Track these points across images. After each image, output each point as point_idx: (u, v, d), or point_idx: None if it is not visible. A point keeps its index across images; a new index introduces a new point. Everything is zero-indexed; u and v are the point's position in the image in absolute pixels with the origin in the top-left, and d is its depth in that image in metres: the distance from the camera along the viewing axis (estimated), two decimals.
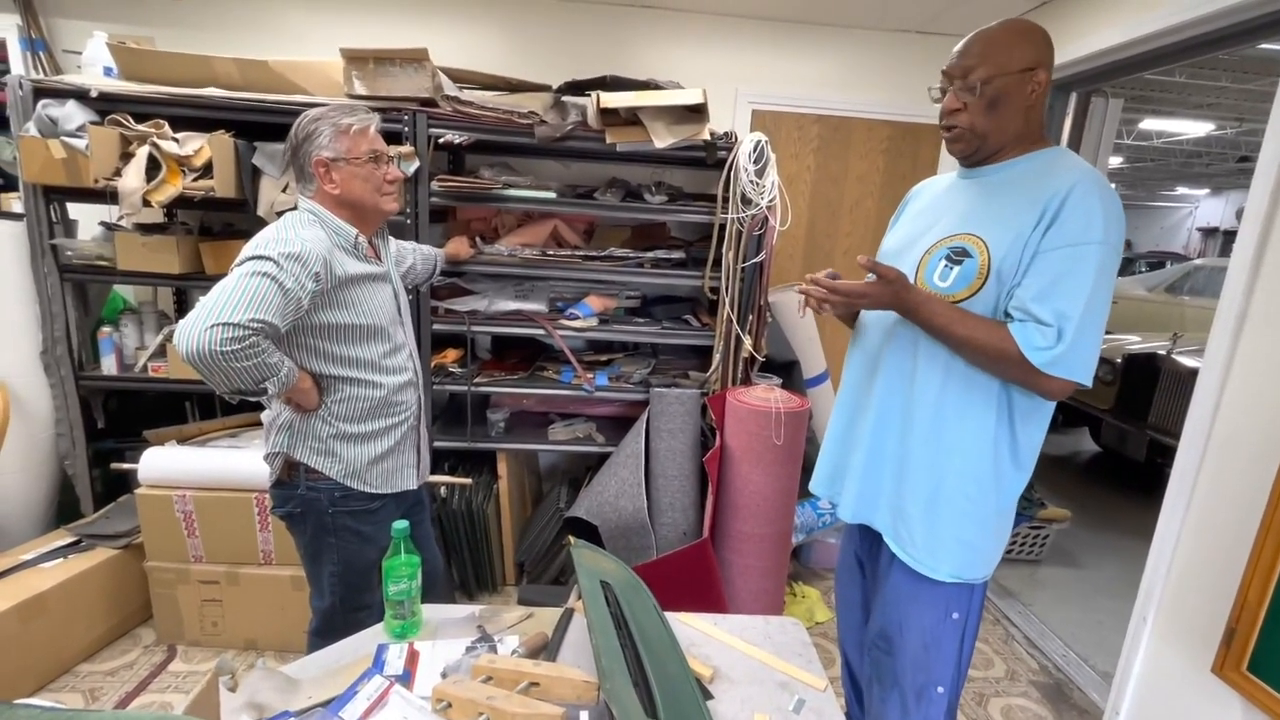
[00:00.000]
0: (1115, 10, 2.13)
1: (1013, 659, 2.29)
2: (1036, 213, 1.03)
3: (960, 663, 1.20)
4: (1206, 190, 11.80)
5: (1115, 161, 8.76)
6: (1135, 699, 1.78)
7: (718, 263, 2.20)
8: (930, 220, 1.21)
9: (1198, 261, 6.58)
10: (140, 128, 2.00)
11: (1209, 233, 12.16)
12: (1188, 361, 3.38)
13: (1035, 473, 1.18)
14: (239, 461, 2.03)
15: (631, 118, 2.08)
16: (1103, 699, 1.97)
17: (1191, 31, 1.87)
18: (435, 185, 2.13)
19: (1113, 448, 4.26)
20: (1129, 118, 6.15)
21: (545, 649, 1.11)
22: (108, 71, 2.18)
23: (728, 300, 2.18)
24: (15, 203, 2.41)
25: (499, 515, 2.43)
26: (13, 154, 2.25)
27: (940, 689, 1.20)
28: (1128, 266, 9.03)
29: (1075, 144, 2.57)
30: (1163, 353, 3.60)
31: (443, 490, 2.30)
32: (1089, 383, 1.04)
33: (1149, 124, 6.49)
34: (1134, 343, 3.99)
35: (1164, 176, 10.17)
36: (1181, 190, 11.94)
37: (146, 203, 1.96)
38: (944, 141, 1.18)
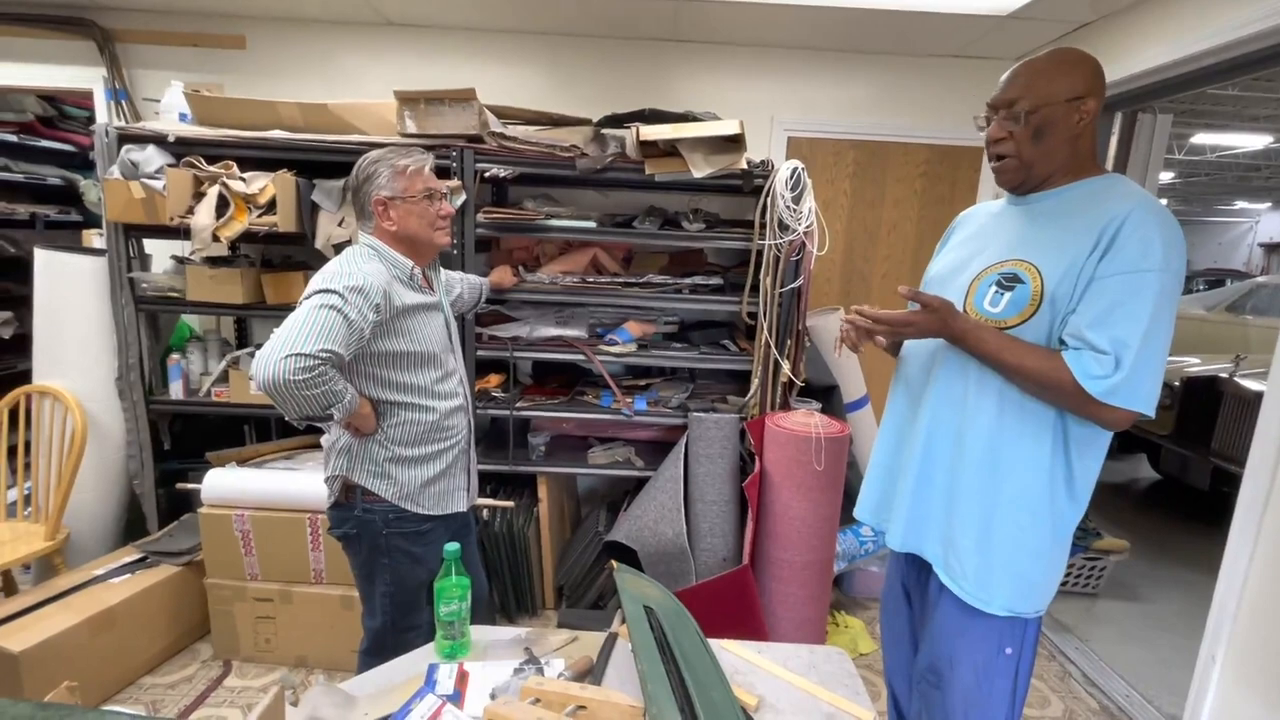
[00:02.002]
0: (1160, 30, 2.10)
1: (1070, 698, 2.19)
2: (1092, 239, 1.02)
3: (1015, 701, 1.17)
4: (1268, 204, 11.28)
5: (1166, 177, 8.46)
6: None
7: (755, 288, 2.22)
8: (979, 246, 1.20)
9: (1261, 279, 6.28)
10: (211, 169, 2.15)
11: (1272, 248, 11.60)
12: (1252, 384, 3.23)
13: (1090, 501, 1.15)
14: (294, 483, 2.12)
15: (670, 149, 2.14)
16: None
17: (1241, 50, 1.82)
18: (481, 216, 2.22)
19: (1173, 475, 4.06)
20: (1180, 132, 5.97)
21: (590, 673, 1.12)
22: (183, 117, 2.35)
23: (766, 325, 2.19)
24: (97, 239, 2.61)
25: (539, 538, 2.46)
26: (97, 195, 2.44)
27: None
28: (1184, 285, 8.66)
29: (1122, 163, 2.52)
30: (1225, 375, 3.44)
31: (485, 513, 2.35)
32: (1151, 413, 1.00)
33: (1201, 138, 6.27)
34: (1193, 365, 3.82)
35: (1220, 191, 9.77)
36: (1240, 205, 11.44)
37: (216, 238, 2.10)
38: (993, 172, 1.18)
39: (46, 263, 2.32)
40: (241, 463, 2.33)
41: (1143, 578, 2.99)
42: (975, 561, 1.13)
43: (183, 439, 2.60)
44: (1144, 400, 0.99)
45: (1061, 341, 1.05)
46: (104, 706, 1.94)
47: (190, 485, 2.24)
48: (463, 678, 1.09)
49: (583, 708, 0.95)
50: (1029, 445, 1.09)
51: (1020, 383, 1.07)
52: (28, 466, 2.21)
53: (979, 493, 1.12)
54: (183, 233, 2.13)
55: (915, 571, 1.30)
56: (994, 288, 1.11)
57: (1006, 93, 1.11)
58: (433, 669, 1.10)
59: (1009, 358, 1.05)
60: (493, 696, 1.03)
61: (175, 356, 2.43)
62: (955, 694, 1.17)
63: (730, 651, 1.24)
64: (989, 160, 1.17)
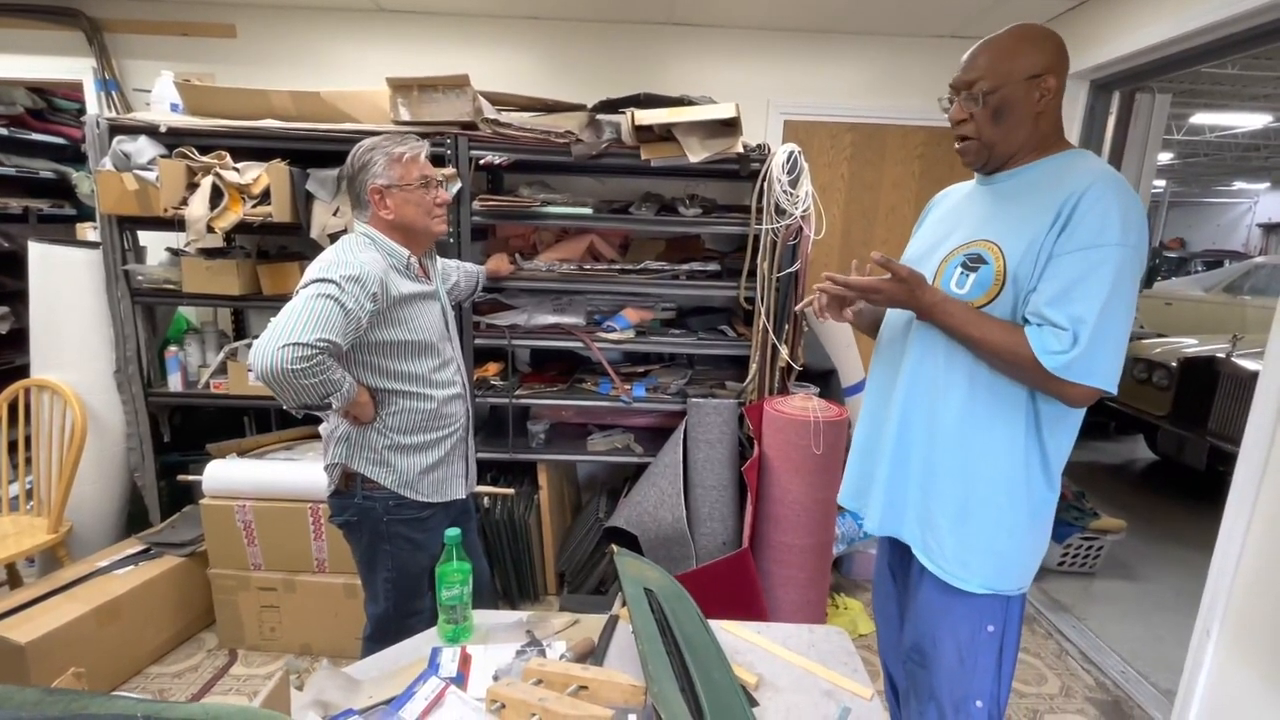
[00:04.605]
0: (1158, 6, 2.08)
1: (1067, 675, 2.21)
2: (1050, 216, 1.02)
3: (1000, 676, 1.18)
4: (1267, 184, 11.23)
5: (1165, 157, 8.42)
6: (1201, 717, 1.71)
7: (753, 273, 2.22)
8: (949, 228, 1.21)
9: (1259, 259, 6.28)
10: (204, 159, 2.13)
11: (1271, 229, 11.56)
12: (1249, 364, 3.23)
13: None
14: (294, 473, 2.12)
15: (665, 133, 2.12)
16: (1165, 717, 1.89)
17: (1243, 25, 1.81)
18: (476, 205, 2.21)
19: (1170, 456, 4.08)
20: (1178, 112, 5.93)
21: (592, 654, 1.14)
22: (174, 107, 2.33)
23: (763, 310, 2.19)
24: (91, 232, 2.59)
25: (540, 525, 2.48)
26: (90, 187, 2.42)
27: (979, 703, 1.17)
28: (1181, 267, 8.64)
29: (1119, 143, 2.51)
30: (1222, 355, 3.45)
31: (486, 500, 2.36)
32: (1112, 389, 1.01)
33: (1200, 118, 6.24)
34: (1191, 346, 3.83)
35: (1219, 171, 9.73)
36: (1239, 185, 11.39)
37: (210, 229, 2.09)
38: (958, 153, 1.17)
39: (41, 256, 2.31)
40: (242, 454, 2.34)
41: (1140, 557, 3.01)
42: (953, 541, 1.13)
43: (183, 431, 2.61)
44: (1102, 376, 0.99)
45: (1025, 320, 1.05)
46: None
47: (191, 477, 2.25)
48: (466, 660, 1.10)
49: (585, 688, 0.96)
50: (1002, 426, 1.09)
51: (986, 357, 1.07)
52: (29, 461, 2.22)
53: (954, 473, 1.13)
54: (177, 224, 2.12)
55: (899, 553, 1.31)
56: (960, 269, 1.11)
57: (967, 73, 1.10)
58: (436, 652, 1.11)
59: (974, 331, 1.06)
60: (496, 678, 1.04)
61: (173, 349, 2.43)
62: (940, 672, 1.19)
63: (730, 632, 1.25)
64: (954, 141, 1.17)
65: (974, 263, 1.09)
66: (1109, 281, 0.97)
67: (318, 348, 1.20)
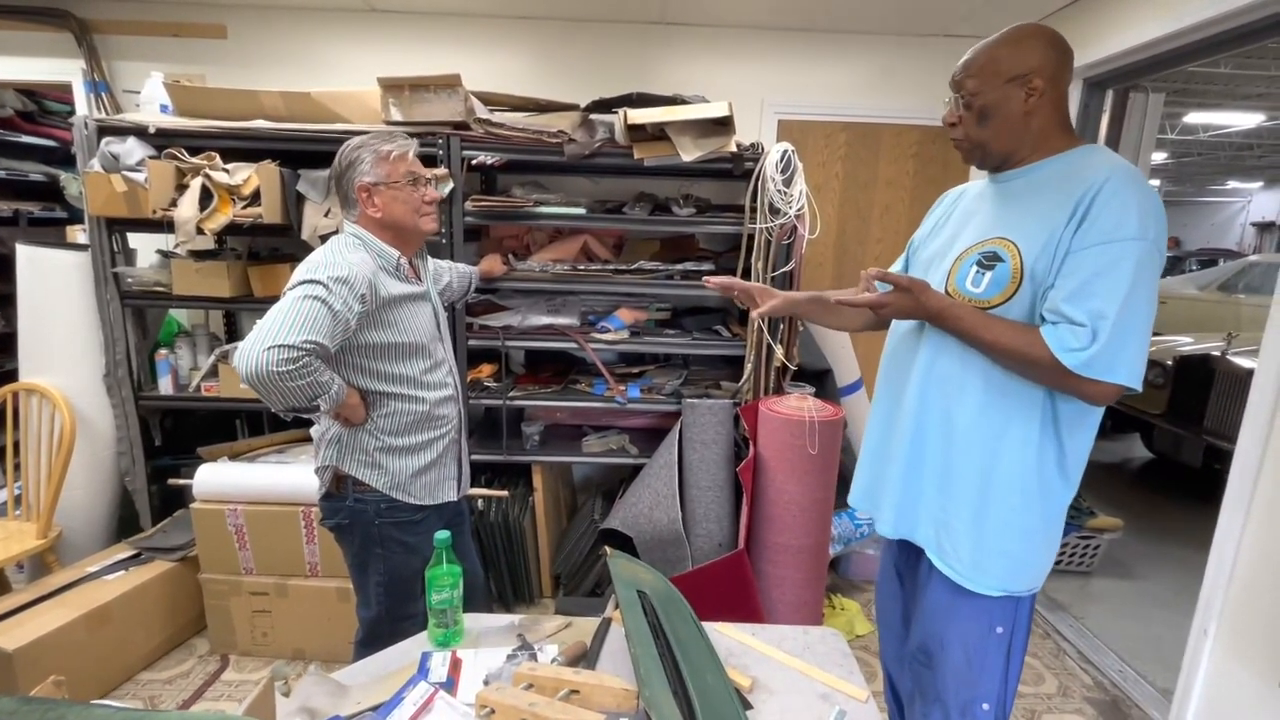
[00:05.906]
0: (1150, 4, 2.08)
1: (1065, 674, 2.21)
2: (1068, 210, 1.00)
3: (1007, 679, 1.17)
4: (1260, 183, 11.28)
5: (1159, 157, 8.45)
6: (1199, 716, 1.70)
7: (747, 273, 2.21)
8: (961, 226, 1.19)
9: (1253, 258, 6.30)
10: (194, 160, 2.12)
11: (1265, 227, 11.61)
12: (1244, 362, 3.24)
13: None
14: (286, 476, 2.10)
15: (658, 133, 2.11)
16: (1163, 716, 1.89)
17: (1235, 22, 1.80)
18: (469, 205, 2.19)
19: (1166, 454, 4.09)
20: (1172, 111, 5.95)
21: (584, 658, 1.12)
22: (164, 108, 2.31)
23: None
24: (80, 234, 2.57)
25: (535, 527, 2.46)
26: (79, 189, 2.40)
27: (986, 705, 1.16)
28: (1176, 266, 8.67)
29: (1113, 142, 2.51)
30: (1217, 353, 3.45)
31: (480, 503, 2.34)
32: (1136, 385, 0.98)
33: (1194, 117, 6.26)
34: (1186, 344, 3.84)
35: (1213, 171, 9.76)
36: (1233, 184, 11.44)
37: (200, 230, 2.07)
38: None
39: (29, 259, 2.29)
40: (233, 457, 2.32)
41: (1136, 555, 3.01)
42: (969, 543, 1.12)
43: (174, 435, 2.58)
44: (1125, 372, 0.97)
45: (1042, 318, 1.03)
46: (97, 701, 1.94)
47: (182, 481, 2.22)
48: (456, 665, 1.08)
49: (576, 692, 0.95)
50: (1018, 425, 1.08)
51: (1000, 359, 1.06)
52: (18, 466, 2.20)
53: (971, 474, 1.11)
54: (166, 226, 2.10)
55: (905, 554, 1.29)
56: (975, 268, 1.09)
57: (957, 75, 1.11)
58: (425, 657, 1.10)
59: (986, 334, 1.04)
60: (486, 683, 1.03)
61: (164, 352, 2.40)
62: (946, 673, 1.17)
63: (725, 634, 1.24)
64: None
65: (990, 261, 1.07)
66: (1129, 275, 0.95)
67: (304, 350, 1.18)
